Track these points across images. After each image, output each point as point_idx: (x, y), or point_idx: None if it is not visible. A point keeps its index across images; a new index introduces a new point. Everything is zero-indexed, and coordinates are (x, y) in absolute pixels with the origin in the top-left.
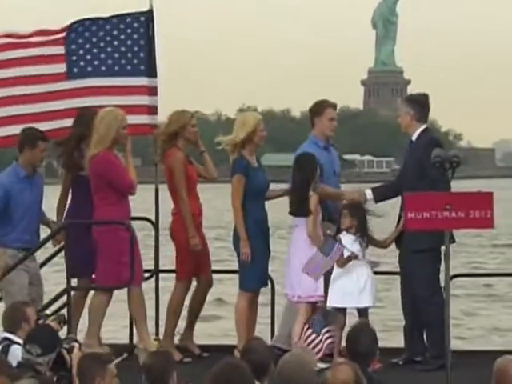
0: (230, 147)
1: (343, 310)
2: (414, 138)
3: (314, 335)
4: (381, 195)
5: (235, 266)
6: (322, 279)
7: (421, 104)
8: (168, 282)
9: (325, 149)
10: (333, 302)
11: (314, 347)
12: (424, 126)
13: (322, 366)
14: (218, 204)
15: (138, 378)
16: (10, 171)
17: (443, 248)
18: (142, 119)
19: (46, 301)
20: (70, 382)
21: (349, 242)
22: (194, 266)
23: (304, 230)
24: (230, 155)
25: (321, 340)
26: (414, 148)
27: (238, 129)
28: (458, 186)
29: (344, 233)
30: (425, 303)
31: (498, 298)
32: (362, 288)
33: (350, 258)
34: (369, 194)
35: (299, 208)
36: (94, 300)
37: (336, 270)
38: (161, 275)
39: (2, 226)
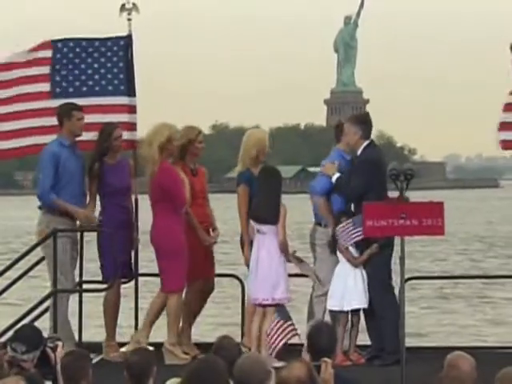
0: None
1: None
2: (359, 152)
3: (281, 322)
4: None
5: None
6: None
7: (367, 123)
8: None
9: (349, 161)
10: (360, 303)
11: (278, 336)
12: (367, 142)
13: (277, 364)
14: None
15: (120, 375)
16: (56, 142)
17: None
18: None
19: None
20: (54, 378)
21: (351, 226)
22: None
23: (273, 237)
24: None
25: (285, 329)
26: (355, 162)
27: (244, 152)
28: (411, 196)
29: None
30: (377, 302)
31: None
32: (361, 289)
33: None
34: None
35: (269, 215)
36: (170, 303)
37: (343, 272)
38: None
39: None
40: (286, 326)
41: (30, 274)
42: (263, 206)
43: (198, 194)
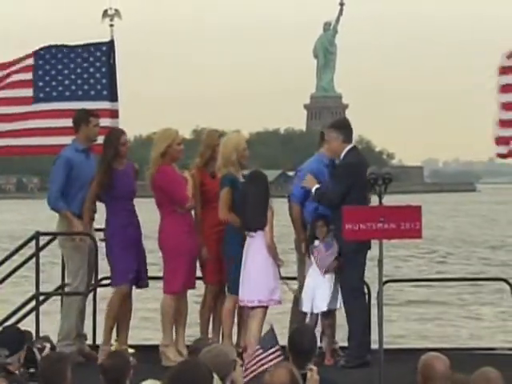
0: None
1: (333, 312)
2: (342, 156)
3: (260, 351)
4: None
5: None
6: (278, 281)
7: (347, 128)
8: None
9: (327, 166)
10: (320, 307)
11: (258, 361)
12: (350, 146)
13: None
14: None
15: (96, 378)
16: (71, 146)
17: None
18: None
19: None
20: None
21: (323, 249)
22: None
23: (260, 240)
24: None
25: (265, 356)
26: (336, 167)
27: (224, 157)
28: (390, 200)
29: (317, 242)
30: (346, 306)
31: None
32: (325, 294)
33: (337, 266)
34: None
35: (255, 222)
36: (163, 304)
37: (316, 277)
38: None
39: (63, 195)
40: (266, 354)
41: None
42: (251, 214)
43: (215, 197)
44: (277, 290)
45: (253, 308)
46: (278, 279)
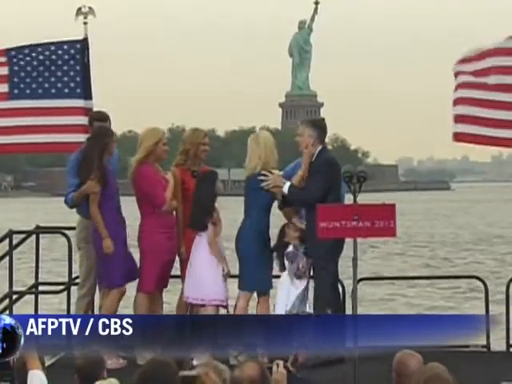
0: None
1: None
2: (315, 156)
3: None
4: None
5: None
6: (224, 283)
7: (322, 128)
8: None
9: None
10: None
11: None
12: (320, 147)
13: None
14: None
15: (71, 378)
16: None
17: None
18: (79, 138)
19: None
20: (12, 380)
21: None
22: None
23: (206, 239)
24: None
25: None
26: (313, 166)
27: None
28: (364, 198)
29: (290, 246)
30: (323, 306)
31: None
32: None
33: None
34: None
35: (199, 222)
36: (136, 302)
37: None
38: None
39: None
40: None
41: None
42: (194, 214)
43: None
44: (222, 292)
45: (200, 306)
46: (221, 281)
